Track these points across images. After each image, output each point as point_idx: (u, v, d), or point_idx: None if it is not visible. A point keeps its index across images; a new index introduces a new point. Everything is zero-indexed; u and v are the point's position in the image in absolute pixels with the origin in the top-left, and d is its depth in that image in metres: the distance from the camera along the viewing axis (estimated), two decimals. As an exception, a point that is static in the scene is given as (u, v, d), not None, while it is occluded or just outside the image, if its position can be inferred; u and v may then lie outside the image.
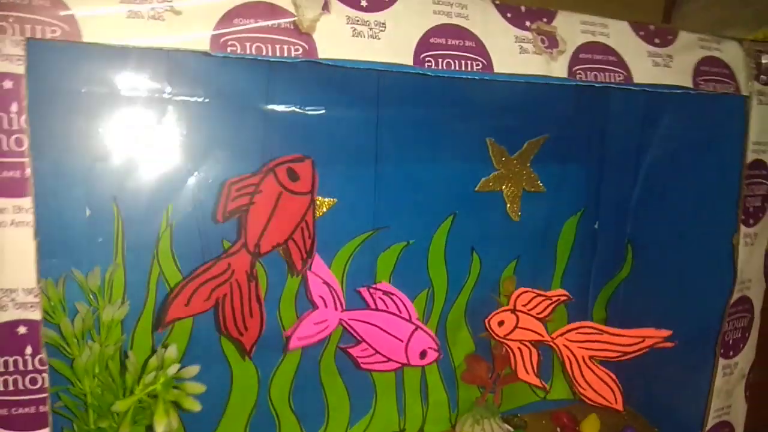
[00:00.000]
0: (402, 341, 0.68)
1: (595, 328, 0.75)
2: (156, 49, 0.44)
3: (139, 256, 0.67)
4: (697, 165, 0.81)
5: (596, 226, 0.94)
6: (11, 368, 0.43)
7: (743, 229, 0.73)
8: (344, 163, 0.74)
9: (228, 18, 0.46)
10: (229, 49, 0.46)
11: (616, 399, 0.75)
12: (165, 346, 0.54)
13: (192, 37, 0.45)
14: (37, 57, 0.43)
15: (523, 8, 0.58)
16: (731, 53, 0.70)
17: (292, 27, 0.48)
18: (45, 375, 0.43)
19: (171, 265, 0.68)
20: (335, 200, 0.74)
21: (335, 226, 0.75)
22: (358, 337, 0.69)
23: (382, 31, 0.52)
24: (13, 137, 0.41)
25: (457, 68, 0.55)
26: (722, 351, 0.76)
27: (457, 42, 0.55)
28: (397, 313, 0.68)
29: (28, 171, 0.41)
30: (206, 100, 0.63)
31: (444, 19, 0.55)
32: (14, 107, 0.40)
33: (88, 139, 0.62)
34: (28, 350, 0.43)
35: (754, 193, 0.74)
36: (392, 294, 0.68)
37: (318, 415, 0.80)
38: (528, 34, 0.58)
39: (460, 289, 0.86)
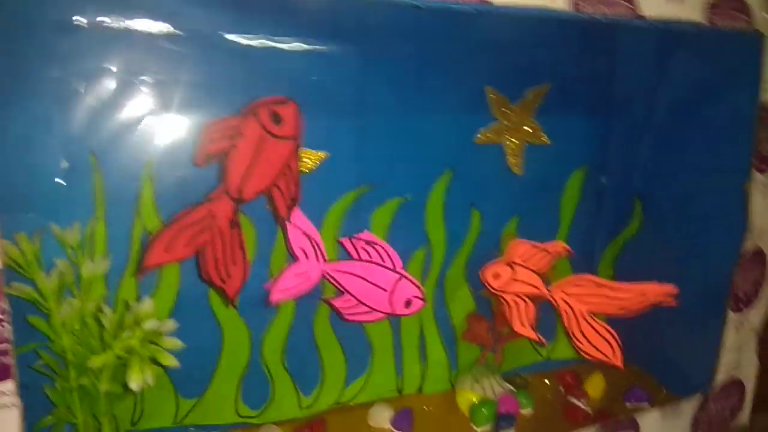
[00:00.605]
0: (386, 291, 0.66)
1: (594, 282, 0.72)
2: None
3: (120, 210, 0.64)
4: (709, 109, 0.76)
5: (603, 181, 0.90)
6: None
7: (757, 176, 0.69)
8: (329, 111, 0.70)
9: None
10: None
11: (615, 354, 0.72)
12: (138, 300, 0.52)
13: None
14: None
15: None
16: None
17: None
18: (6, 325, 0.41)
19: (154, 219, 0.65)
20: (325, 153, 0.71)
21: (325, 181, 0.72)
22: (342, 289, 0.66)
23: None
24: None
25: (450, -1, 0.51)
26: (732, 305, 0.72)
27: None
28: (381, 262, 0.66)
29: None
30: (178, 34, 0.59)
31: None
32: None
33: (62, 86, 0.59)
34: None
35: (769, 137, 0.69)
36: (375, 243, 0.66)
37: (312, 375, 0.78)
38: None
39: (460, 246, 0.83)
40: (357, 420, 0.78)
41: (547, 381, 0.88)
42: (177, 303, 0.69)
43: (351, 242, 0.66)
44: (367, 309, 0.67)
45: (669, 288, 0.69)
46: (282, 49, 0.62)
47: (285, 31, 0.62)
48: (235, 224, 0.55)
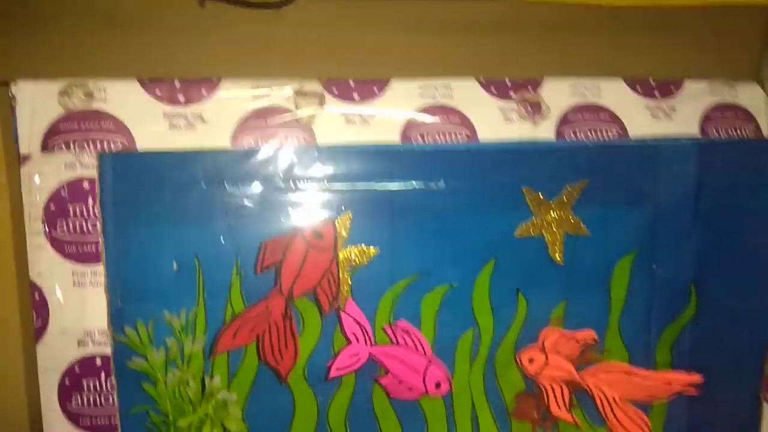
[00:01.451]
0: (419, 373, 0.77)
1: (623, 369, 0.77)
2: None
3: (216, 301, 0.82)
4: (750, 208, 0.79)
5: (654, 267, 0.94)
6: (91, 388, 0.59)
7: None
8: (386, 216, 0.84)
9: (243, 121, 0.60)
10: (245, 144, 0.60)
11: (648, 439, 0.75)
12: (212, 377, 0.68)
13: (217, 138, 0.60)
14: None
15: (508, 81, 0.65)
16: (749, 96, 0.70)
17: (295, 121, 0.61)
18: (114, 394, 0.59)
19: (240, 306, 0.83)
20: (377, 249, 0.84)
21: (380, 273, 0.86)
22: (386, 369, 0.78)
23: (371, 117, 0.62)
24: (90, 222, 0.57)
25: (441, 141, 0.64)
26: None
27: (442, 118, 0.64)
28: (414, 348, 0.77)
29: (101, 246, 0.57)
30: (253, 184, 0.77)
31: (430, 101, 0.64)
32: (90, 201, 0.57)
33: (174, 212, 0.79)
34: (102, 375, 0.59)
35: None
36: (409, 332, 0.77)
37: (373, 443, 0.90)
38: (514, 105, 0.65)
39: (507, 329, 0.91)
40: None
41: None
42: (257, 376, 0.85)
43: (391, 329, 0.79)
44: (407, 388, 0.78)
45: (693, 378, 0.72)
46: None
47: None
48: (287, 317, 0.71)
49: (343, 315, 0.79)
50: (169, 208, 0.77)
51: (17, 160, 0.57)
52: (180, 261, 0.80)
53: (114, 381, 0.59)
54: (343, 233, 0.80)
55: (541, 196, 0.88)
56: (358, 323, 0.79)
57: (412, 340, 0.78)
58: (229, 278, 0.82)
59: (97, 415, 0.58)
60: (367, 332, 0.79)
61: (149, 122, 0.57)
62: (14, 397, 0.73)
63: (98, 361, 0.58)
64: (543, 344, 0.80)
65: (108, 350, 0.58)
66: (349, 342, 0.80)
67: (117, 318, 0.76)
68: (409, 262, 0.87)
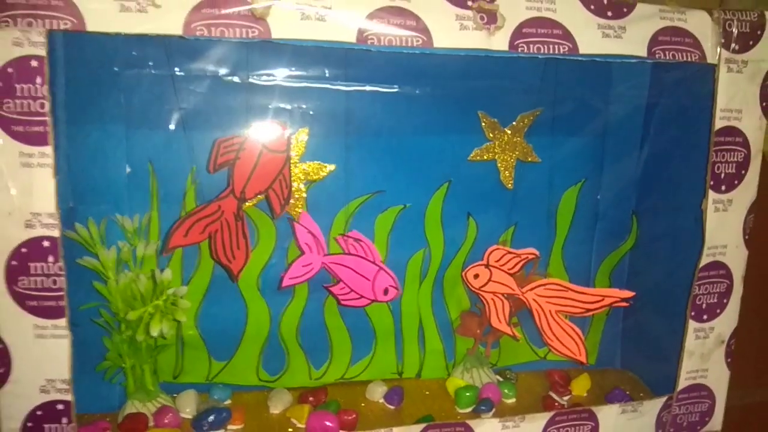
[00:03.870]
0: (369, 280, 0.79)
1: (561, 285, 0.81)
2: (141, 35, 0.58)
3: (170, 207, 0.83)
4: (683, 134, 0.83)
5: (598, 197, 0.98)
6: (38, 271, 0.59)
7: (712, 194, 0.75)
8: (342, 134, 0.85)
9: (197, 9, 0.60)
10: (197, 33, 0.59)
11: (579, 351, 0.80)
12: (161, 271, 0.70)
13: (168, 24, 0.59)
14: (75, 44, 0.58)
15: (465, -12, 0.66)
16: (697, 22, 0.72)
17: (249, 14, 0.61)
18: (63, 278, 0.59)
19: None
20: (334, 166, 0.85)
21: (336, 189, 0.87)
22: (337, 278, 0.80)
23: (328, 11, 0.62)
24: (38, 102, 0.57)
25: (397, 44, 0.64)
26: (693, 314, 0.78)
27: (398, 21, 0.64)
28: (364, 256, 0.79)
29: (49, 127, 0.57)
30: (206, 75, 0.77)
31: (387, 2, 0.64)
32: (38, 80, 0.56)
33: (127, 110, 0.78)
34: (50, 258, 0.59)
35: (726, 159, 0.75)
36: (361, 240, 0.79)
37: (322, 352, 0.93)
38: (469, 13, 0.66)
39: (457, 250, 0.95)
40: (355, 393, 0.91)
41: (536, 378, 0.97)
42: (212, 283, 0.87)
43: (343, 239, 0.80)
44: (357, 296, 0.81)
45: (625, 293, 0.77)
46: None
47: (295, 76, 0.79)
48: (239, 218, 0.72)
49: (296, 226, 0.80)
50: (122, 105, 0.76)
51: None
52: (133, 165, 0.80)
53: (63, 265, 0.59)
54: (300, 147, 0.81)
55: (497, 122, 0.90)
56: (312, 233, 0.80)
57: (363, 249, 0.80)
58: (184, 185, 0.82)
59: (45, 297, 0.59)
60: (320, 242, 0.81)
61: (99, 2, 0.56)
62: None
63: (46, 243, 0.58)
64: (488, 260, 0.83)
65: (56, 233, 0.58)
66: (302, 252, 0.81)
67: (68, 217, 0.76)
68: (365, 181, 0.89)
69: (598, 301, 0.79)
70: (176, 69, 0.74)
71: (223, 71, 0.76)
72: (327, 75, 0.79)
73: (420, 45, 0.65)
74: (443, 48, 0.66)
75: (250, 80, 0.76)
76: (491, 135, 0.90)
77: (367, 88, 0.81)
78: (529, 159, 0.92)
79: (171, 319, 0.70)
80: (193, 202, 0.82)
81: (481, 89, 0.88)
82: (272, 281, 0.86)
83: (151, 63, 0.74)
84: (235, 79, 0.76)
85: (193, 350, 0.88)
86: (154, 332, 0.68)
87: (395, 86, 0.83)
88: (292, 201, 0.80)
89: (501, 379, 0.94)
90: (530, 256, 0.82)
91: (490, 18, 0.66)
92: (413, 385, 0.94)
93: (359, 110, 0.85)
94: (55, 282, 0.60)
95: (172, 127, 0.77)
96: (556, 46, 0.68)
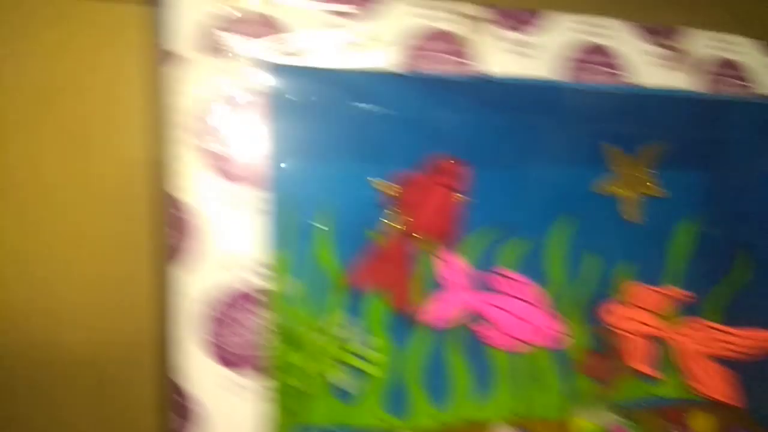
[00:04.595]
0: (532, 324, 0.76)
1: (708, 325, 0.79)
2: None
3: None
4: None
5: (711, 231, 0.97)
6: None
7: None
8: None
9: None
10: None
11: (730, 394, 0.78)
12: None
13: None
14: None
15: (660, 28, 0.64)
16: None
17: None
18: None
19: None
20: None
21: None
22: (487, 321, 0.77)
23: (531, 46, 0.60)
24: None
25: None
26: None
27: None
28: (524, 297, 0.76)
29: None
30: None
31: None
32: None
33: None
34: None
35: None
36: (515, 279, 0.76)
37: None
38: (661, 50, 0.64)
39: (573, 283, 0.92)
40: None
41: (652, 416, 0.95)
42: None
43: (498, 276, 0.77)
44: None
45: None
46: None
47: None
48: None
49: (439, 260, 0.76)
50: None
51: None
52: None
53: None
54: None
55: (623, 153, 0.89)
56: (455, 268, 0.77)
57: (520, 289, 0.76)
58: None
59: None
60: (463, 278, 0.77)
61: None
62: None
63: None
64: (625, 298, 0.81)
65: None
66: (442, 287, 0.77)
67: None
68: (491, 212, 0.86)
69: (751, 345, 0.76)
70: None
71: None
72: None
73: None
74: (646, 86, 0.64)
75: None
76: (616, 166, 0.89)
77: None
78: (651, 192, 0.91)
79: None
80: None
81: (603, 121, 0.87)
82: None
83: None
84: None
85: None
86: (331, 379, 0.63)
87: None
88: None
89: (622, 419, 0.92)
90: (677, 295, 0.80)
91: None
92: (532, 426, 0.91)
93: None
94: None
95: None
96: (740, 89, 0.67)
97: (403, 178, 0.67)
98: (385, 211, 0.72)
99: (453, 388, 0.89)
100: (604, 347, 0.90)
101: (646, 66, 0.64)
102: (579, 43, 0.63)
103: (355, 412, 0.84)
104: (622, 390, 0.96)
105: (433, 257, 0.77)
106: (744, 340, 0.76)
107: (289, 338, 0.69)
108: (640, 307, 0.81)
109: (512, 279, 0.76)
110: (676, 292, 0.80)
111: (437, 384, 0.88)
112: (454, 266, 0.76)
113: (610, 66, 0.63)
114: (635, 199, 0.90)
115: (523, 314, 0.76)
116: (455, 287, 0.77)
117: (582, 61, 0.62)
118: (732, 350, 0.77)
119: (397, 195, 0.67)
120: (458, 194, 0.70)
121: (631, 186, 0.90)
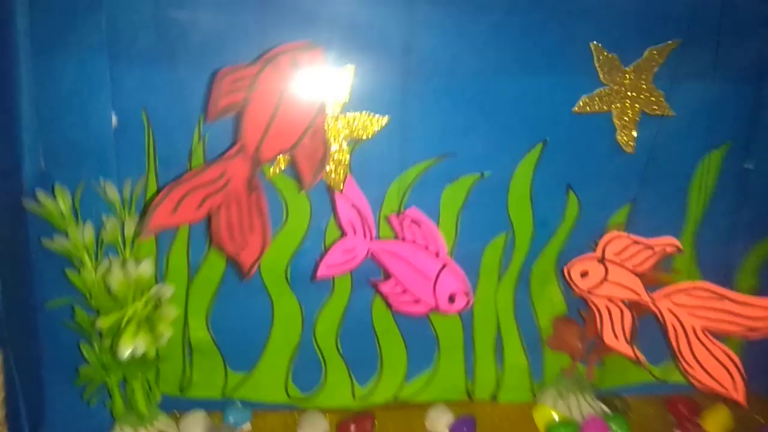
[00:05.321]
0: (429, 280, 0.57)
1: (713, 292, 0.56)
2: None
3: (170, 170, 0.62)
4: None
5: (748, 166, 0.72)
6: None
7: None
8: (395, 70, 0.62)
9: None
10: None
11: (735, 386, 0.55)
12: (139, 261, 0.48)
13: None
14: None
15: None
16: None
17: None
18: None
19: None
20: (387, 117, 0.62)
21: (389, 150, 0.65)
22: (388, 271, 0.58)
23: None
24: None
25: None
26: None
27: None
28: (425, 243, 0.57)
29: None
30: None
31: None
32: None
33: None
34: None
35: None
36: (420, 223, 0.57)
37: (369, 364, 0.72)
38: None
39: (551, 236, 0.71)
40: (411, 420, 0.70)
41: (652, 410, 0.73)
42: (227, 272, 0.66)
43: (398, 219, 0.58)
44: (412, 299, 0.59)
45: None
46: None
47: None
48: (252, 187, 0.50)
49: (338, 197, 0.58)
50: (103, 30, 0.56)
51: None
52: (121, 114, 0.60)
53: None
54: (344, 95, 0.58)
55: (616, 58, 0.65)
56: (357, 210, 0.58)
57: (424, 235, 0.57)
58: (190, 140, 0.61)
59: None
60: (367, 222, 0.59)
61: None
62: None
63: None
64: (603, 252, 0.59)
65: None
66: (344, 234, 0.59)
67: (39, 182, 0.57)
68: (428, 139, 0.66)
69: (769, 317, 0.54)
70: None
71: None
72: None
73: None
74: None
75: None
76: (606, 77, 0.65)
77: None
78: (658, 112, 0.67)
79: (149, 331, 0.49)
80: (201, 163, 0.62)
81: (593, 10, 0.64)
82: (305, 272, 0.65)
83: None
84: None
85: (204, 357, 0.69)
86: (124, 351, 0.47)
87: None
88: (329, 166, 0.57)
89: (607, 410, 0.71)
90: (669, 249, 0.57)
91: None
92: (487, 412, 0.72)
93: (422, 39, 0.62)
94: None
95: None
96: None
97: (243, 76, 0.48)
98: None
99: (380, 358, 0.71)
100: (578, 315, 0.69)
101: None
102: None
103: (252, 383, 0.70)
104: (615, 371, 0.74)
105: (330, 194, 0.58)
106: (759, 311, 0.53)
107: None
108: (621, 266, 0.59)
109: (413, 221, 0.56)
110: (670, 244, 0.57)
111: (361, 353, 0.71)
112: (352, 207, 0.57)
113: None
114: (632, 120, 0.66)
115: (423, 266, 0.56)
116: (354, 233, 0.58)
117: None
118: (744, 325, 0.54)
119: (233, 101, 0.48)
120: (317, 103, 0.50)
121: (626, 102, 0.66)
